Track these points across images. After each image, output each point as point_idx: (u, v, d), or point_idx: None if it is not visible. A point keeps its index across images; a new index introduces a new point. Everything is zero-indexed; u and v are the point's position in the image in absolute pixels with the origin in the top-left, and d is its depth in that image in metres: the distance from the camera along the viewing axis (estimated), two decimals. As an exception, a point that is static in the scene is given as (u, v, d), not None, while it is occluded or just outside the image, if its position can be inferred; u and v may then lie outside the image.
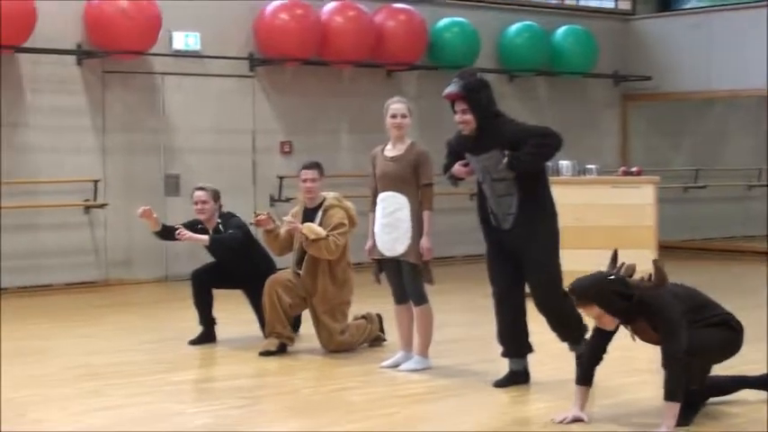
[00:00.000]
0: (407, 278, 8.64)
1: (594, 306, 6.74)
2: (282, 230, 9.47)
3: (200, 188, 10.02)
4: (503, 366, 8.26)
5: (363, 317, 9.81)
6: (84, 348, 9.97)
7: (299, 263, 9.44)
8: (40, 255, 14.01)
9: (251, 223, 9.74)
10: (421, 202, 8.58)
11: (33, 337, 10.57)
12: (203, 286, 10.00)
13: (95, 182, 14.25)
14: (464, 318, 11.67)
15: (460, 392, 8.05)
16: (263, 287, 9.49)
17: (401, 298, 8.79)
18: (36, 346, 10.13)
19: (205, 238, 9.75)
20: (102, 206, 14.36)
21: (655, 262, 6.96)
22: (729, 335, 7.09)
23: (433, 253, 8.59)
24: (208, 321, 10.05)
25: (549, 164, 13.24)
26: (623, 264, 6.96)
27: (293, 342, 9.57)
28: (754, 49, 17.40)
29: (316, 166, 9.56)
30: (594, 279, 6.84)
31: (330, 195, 9.51)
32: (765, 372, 7.56)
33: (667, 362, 6.67)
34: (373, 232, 8.73)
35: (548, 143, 7.89)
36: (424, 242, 8.50)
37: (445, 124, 17.38)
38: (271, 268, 9.86)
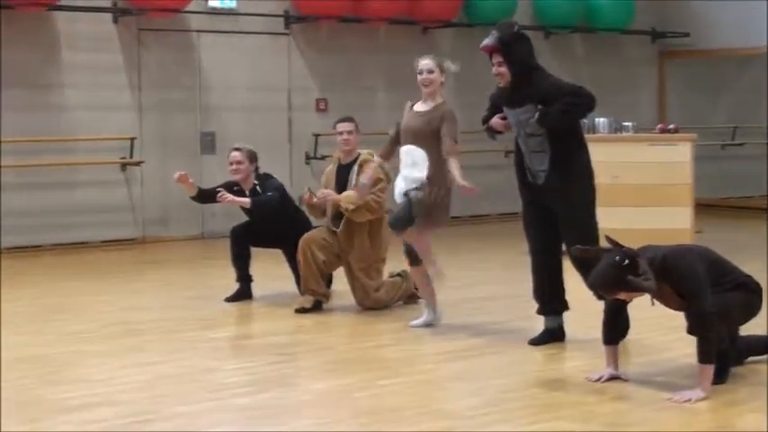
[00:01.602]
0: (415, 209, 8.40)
1: (621, 293, 6.71)
2: (317, 199, 9.49)
3: (237, 149, 10.03)
4: (538, 324, 8.27)
5: (399, 274, 9.80)
6: (121, 305, 10.05)
7: (334, 219, 9.46)
8: (77, 212, 14.11)
9: (299, 204, 9.72)
10: (447, 152, 8.37)
11: (71, 294, 10.67)
12: (241, 243, 10.04)
13: (132, 139, 14.32)
14: (500, 275, 11.70)
15: (496, 350, 8.05)
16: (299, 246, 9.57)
17: (414, 259, 8.76)
18: (73, 302, 10.21)
19: (246, 200, 9.76)
20: (138, 164, 14.45)
21: (607, 238, 6.90)
22: (750, 297, 7.04)
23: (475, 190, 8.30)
24: (245, 278, 10.10)
25: (586, 121, 13.25)
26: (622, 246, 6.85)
27: (328, 299, 9.62)
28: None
29: (351, 119, 9.58)
30: (610, 270, 6.69)
31: (364, 152, 9.52)
32: None
33: (698, 325, 6.63)
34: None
35: (579, 102, 7.86)
36: (460, 182, 8.22)
37: (481, 82, 17.31)
38: (307, 227, 9.89)
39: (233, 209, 10.28)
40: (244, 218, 10.21)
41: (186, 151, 14.46)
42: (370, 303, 9.50)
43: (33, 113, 13.73)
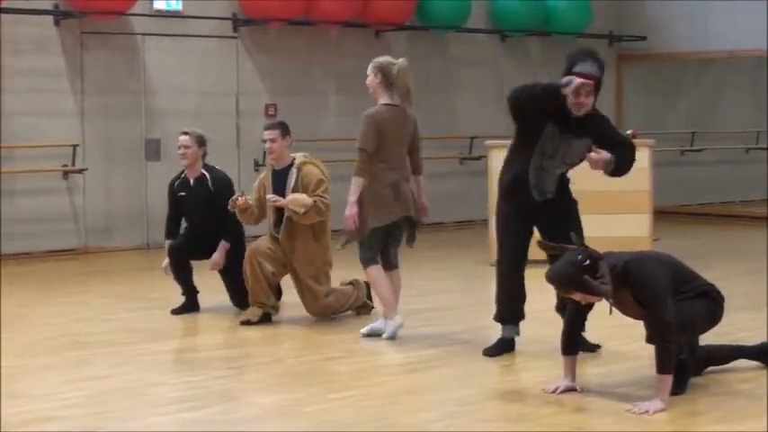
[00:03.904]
0: None
1: (576, 292, 6.74)
2: (253, 201, 9.48)
3: (185, 132, 9.99)
4: (493, 334, 8.27)
5: (350, 283, 9.79)
6: (65, 317, 9.95)
7: (276, 225, 9.42)
8: (17, 222, 13.96)
9: (231, 209, 9.68)
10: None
11: (11, 306, 10.54)
12: (181, 259, 9.98)
13: (74, 146, 14.23)
14: (455, 285, 11.66)
15: (450, 362, 8.05)
16: (236, 254, 9.60)
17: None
18: (14, 314, 10.08)
19: (224, 247, 9.81)
20: (80, 171, 14.35)
21: (573, 236, 7.06)
22: (712, 306, 7.07)
23: (356, 224, 8.41)
24: (190, 290, 10.05)
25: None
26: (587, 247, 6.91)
27: (277, 311, 9.57)
28: (752, 9, 17.39)
29: (278, 125, 9.50)
30: (569, 268, 6.73)
31: (299, 155, 9.45)
32: (762, 341, 7.58)
33: (657, 334, 6.66)
34: None
35: (634, 158, 7.99)
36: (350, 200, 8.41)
37: (433, 85, 17.51)
38: (242, 234, 9.93)
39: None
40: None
41: (131, 158, 14.39)
42: (320, 310, 9.46)
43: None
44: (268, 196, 9.31)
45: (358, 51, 15.94)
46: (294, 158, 9.40)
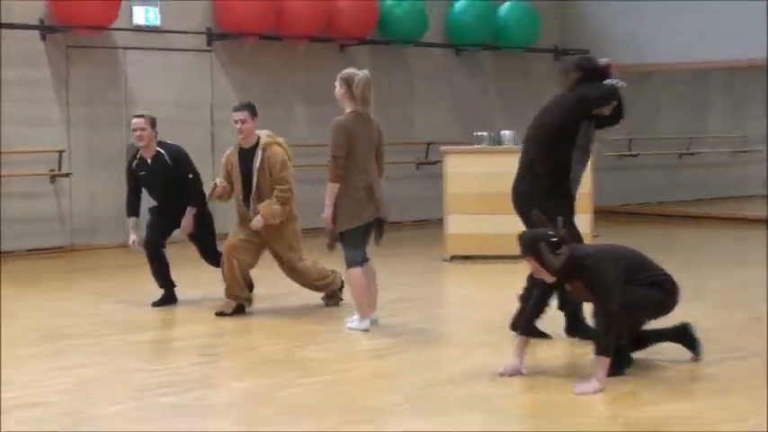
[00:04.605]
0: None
1: (533, 259, 6.81)
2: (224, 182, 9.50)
3: (139, 116, 10.02)
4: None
5: (332, 270, 9.76)
6: (48, 312, 9.90)
7: (245, 199, 9.37)
8: (7, 222, 13.87)
9: (209, 200, 9.68)
10: None
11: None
12: (157, 253, 9.94)
13: (60, 152, 14.17)
14: (413, 279, 11.66)
15: (412, 348, 8.07)
16: (202, 217, 9.83)
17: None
18: (2, 309, 10.04)
19: (191, 213, 9.80)
20: (66, 175, 14.28)
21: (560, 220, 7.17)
22: (663, 296, 7.13)
23: (331, 224, 8.47)
24: (167, 284, 10.01)
25: (492, 134, 13.34)
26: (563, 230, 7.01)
27: (250, 303, 9.56)
28: (688, 25, 17.52)
29: (246, 107, 9.46)
30: (537, 235, 6.90)
31: (263, 133, 9.44)
32: (678, 323, 7.49)
33: (600, 319, 6.76)
34: None
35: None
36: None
37: (393, 95, 17.48)
38: (204, 198, 9.92)
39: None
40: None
41: (113, 163, 14.28)
42: (299, 271, 9.52)
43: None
44: (254, 225, 9.26)
45: (324, 64, 15.95)
46: (259, 138, 9.37)
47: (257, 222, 9.22)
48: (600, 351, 6.72)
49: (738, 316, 9.25)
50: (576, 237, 7.65)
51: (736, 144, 22.79)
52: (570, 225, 7.65)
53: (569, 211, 7.85)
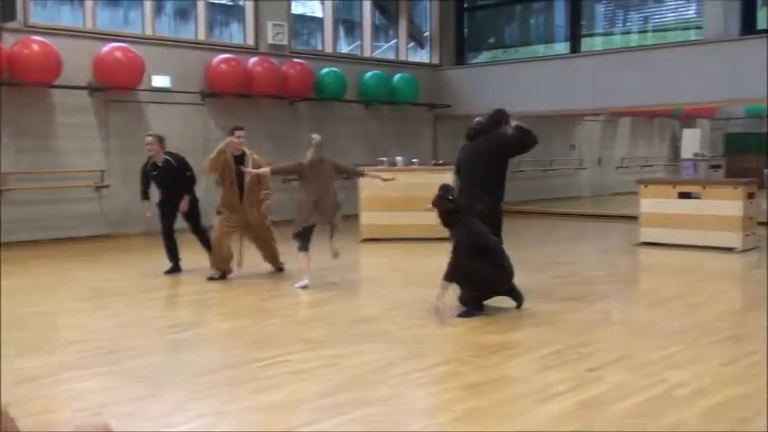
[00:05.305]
0: None
1: (434, 204, 7.09)
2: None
3: (150, 135, 9.92)
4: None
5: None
6: (97, 276, 9.81)
7: (240, 190, 9.32)
8: (68, 218, 13.68)
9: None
10: None
11: (62, 270, 10.32)
12: (170, 236, 9.90)
13: (102, 171, 13.97)
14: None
15: (337, 300, 8.10)
16: (192, 203, 9.67)
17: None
18: (64, 276, 9.90)
19: (186, 199, 9.70)
20: (106, 186, 14.07)
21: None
22: (494, 272, 7.01)
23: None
24: (175, 259, 9.96)
25: (387, 158, 13.38)
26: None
27: (231, 272, 9.53)
28: (517, 87, 17.82)
29: (243, 128, 9.46)
30: (440, 196, 7.11)
31: (247, 150, 9.47)
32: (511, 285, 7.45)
33: (449, 262, 6.83)
34: None
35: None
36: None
37: (325, 133, 17.43)
38: (194, 189, 9.81)
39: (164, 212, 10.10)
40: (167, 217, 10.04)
41: (137, 178, 14.07)
42: (272, 246, 9.59)
43: (34, 154, 13.32)
44: (245, 170, 9.24)
45: (279, 115, 15.92)
46: (245, 149, 9.41)
47: (266, 208, 9.36)
48: (444, 277, 6.80)
49: (544, 276, 9.33)
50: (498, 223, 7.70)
51: (571, 162, 23.05)
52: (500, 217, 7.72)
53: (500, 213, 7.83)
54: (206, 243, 9.80)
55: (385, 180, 9.58)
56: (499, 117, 7.85)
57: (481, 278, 7.00)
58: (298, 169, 8.82)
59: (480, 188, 7.64)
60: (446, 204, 7.02)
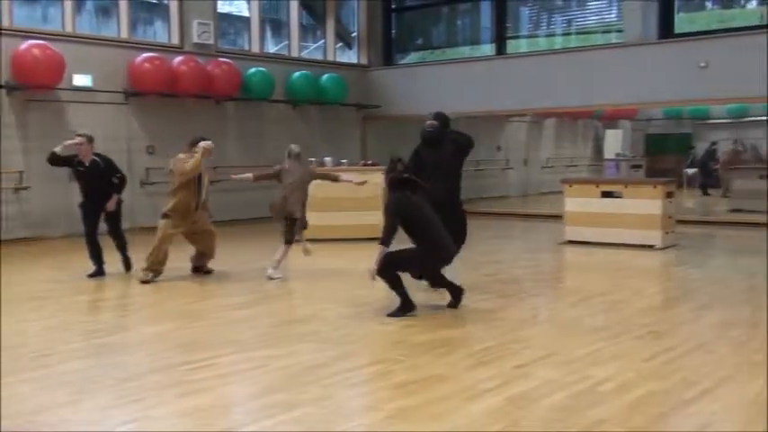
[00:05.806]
0: None
1: (385, 177, 7.24)
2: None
3: (80, 134, 9.75)
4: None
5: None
6: (19, 280, 9.49)
7: (198, 194, 9.34)
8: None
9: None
10: None
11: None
12: (94, 241, 9.69)
13: (21, 172, 13.60)
14: (266, 255, 11.65)
15: (263, 302, 8.06)
16: (118, 203, 9.60)
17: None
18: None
19: (114, 198, 9.60)
20: (25, 188, 13.70)
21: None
22: (426, 254, 7.05)
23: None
24: (99, 263, 9.75)
25: (316, 159, 13.39)
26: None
27: (162, 273, 9.37)
28: (445, 87, 17.99)
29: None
30: (393, 165, 7.24)
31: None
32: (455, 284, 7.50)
33: (384, 225, 6.93)
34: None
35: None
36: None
37: (253, 134, 17.32)
38: (122, 189, 9.73)
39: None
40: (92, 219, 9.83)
41: (59, 180, 13.77)
42: (213, 243, 9.62)
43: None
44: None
45: (205, 115, 15.75)
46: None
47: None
48: (380, 242, 6.88)
49: (473, 275, 9.41)
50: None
51: (499, 163, 23.31)
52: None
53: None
54: (123, 247, 9.69)
55: (358, 184, 9.54)
56: (447, 119, 8.25)
57: (412, 260, 7.05)
58: (276, 175, 9.49)
59: (453, 193, 8.03)
60: (399, 174, 7.16)
